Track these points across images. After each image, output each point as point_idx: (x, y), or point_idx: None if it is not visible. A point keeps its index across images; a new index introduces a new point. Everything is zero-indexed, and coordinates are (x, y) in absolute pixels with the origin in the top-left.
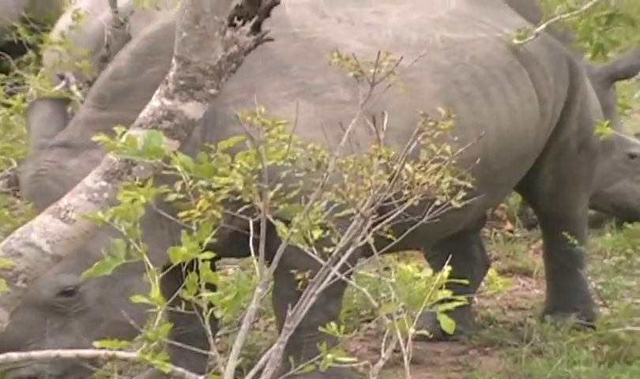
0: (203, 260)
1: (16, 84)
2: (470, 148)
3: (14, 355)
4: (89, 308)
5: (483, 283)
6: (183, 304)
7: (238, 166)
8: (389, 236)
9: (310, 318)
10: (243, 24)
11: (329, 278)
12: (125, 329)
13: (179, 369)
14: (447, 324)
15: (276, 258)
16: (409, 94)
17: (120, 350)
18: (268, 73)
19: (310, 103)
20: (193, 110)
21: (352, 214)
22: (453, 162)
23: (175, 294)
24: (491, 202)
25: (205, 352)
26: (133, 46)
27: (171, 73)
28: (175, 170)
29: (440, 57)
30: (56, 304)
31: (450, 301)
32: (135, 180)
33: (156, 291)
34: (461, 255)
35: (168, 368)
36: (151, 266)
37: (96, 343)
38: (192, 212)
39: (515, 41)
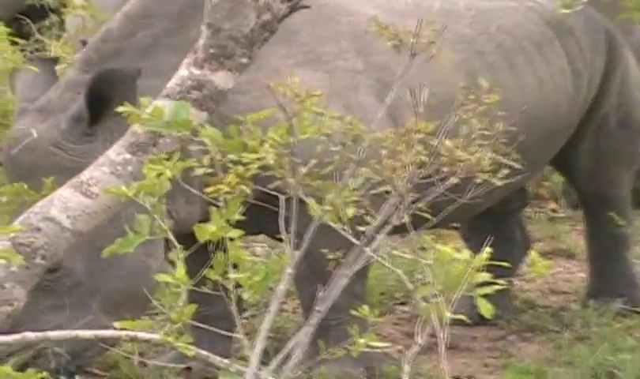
0: (231, 239)
1: (37, 50)
2: (494, 121)
3: (31, 335)
4: (79, 282)
5: (523, 265)
6: (200, 284)
7: (269, 140)
8: (427, 215)
9: (336, 300)
10: None
11: (362, 258)
12: (123, 300)
13: (203, 352)
14: (485, 308)
15: (307, 237)
16: (428, 65)
17: (141, 331)
18: (274, 40)
19: (318, 72)
20: (223, 80)
21: (388, 191)
22: (492, 137)
23: (200, 274)
24: (520, 180)
25: (230, 334)
26: (128, 8)
27: (201, 41)
28: (203, 143)
29: (463, 25)
30: (43, 282)
31: (489, 284)
32: (161, 153)
33: (180, 270)
34: (500, 236)
35: (192, 351)
36: (176, 244)
37: (117, 324)
38: (220, 187)
39: (561, 10)
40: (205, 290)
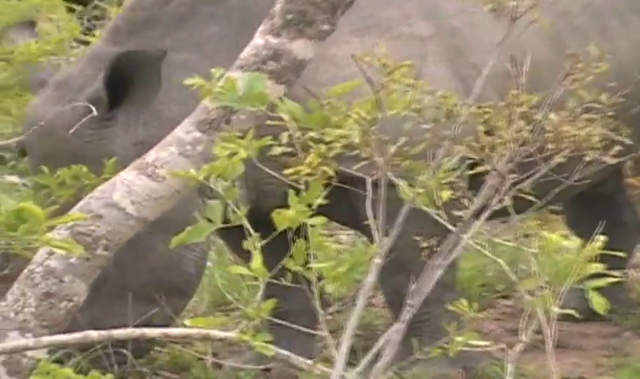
0: (312, 226)
1: (96, 17)
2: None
3: (94, 333)
4: (108, 276)
5: (637, 253)
6: (277, 277)
7: (354, 115)
8: (530, 197)
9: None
10: None
11: (458, 246)
12: (155, 294)
13: (283, 352)
14: (598, 302)
15: (398, 223)
16: (504, 28)
17: (215, 329)
18: None
19: (379, 40)
20: (302, 49)
21: (487, 172)
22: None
23: (278, 266)
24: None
25: (312, 332)
26: None
27: (278, 6)
28: (281, 119)
29: None
30: None
31: (603, 276)
32: (234, 131)
33: (257, 261)
34: (610, 220)
35: (271, 350)
36: (252, 232)
37: (188, 322)
38: (300, 168)
39: None
40: (284, 283)
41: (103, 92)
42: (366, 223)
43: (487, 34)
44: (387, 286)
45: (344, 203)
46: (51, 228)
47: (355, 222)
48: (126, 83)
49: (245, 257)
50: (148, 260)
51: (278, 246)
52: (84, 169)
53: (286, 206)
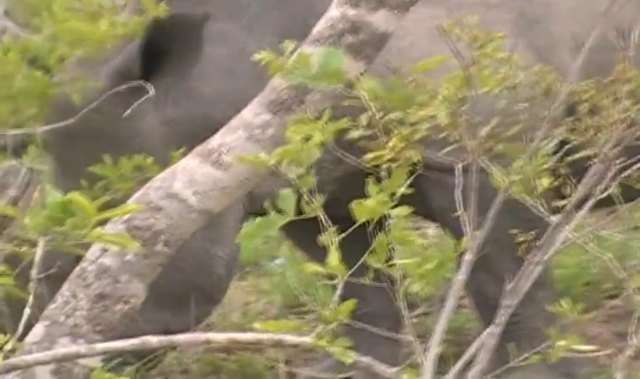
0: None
1: None
2: None
3: (153, 339)
4: None
5: None
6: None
7: (441, 94)
8: None
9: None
10: None
11: (559, 240)
12: (184, 294)
13: (365, 359)
14: None
15: (491, 214)
16: None
17: (288, 333)
18: None
19: (436, 8)
20: (383, 21)
21: (591, 157)
22: None
23: (358, 263)
24: None
25: (396, 336)
26: None
27: None
28: (360, 98)
29: None
30: None
31: None
32: (308, 112)
33: (334, 257)
34: None
35: (351, 357)
36: (330, 223)
37: (258, 325)
38: (381, 153)
39: None
40: (365, 282)
41: (134, 62)
42: (443, 214)
43: (564, 1)
44: (471, 285)
45: (415, 192)
46: (104, 222)
47: (426, 213)
48: (160, 52)
49: (315, 254)
50: (176, 257)
51: (353, 242)
52: (150, 160)
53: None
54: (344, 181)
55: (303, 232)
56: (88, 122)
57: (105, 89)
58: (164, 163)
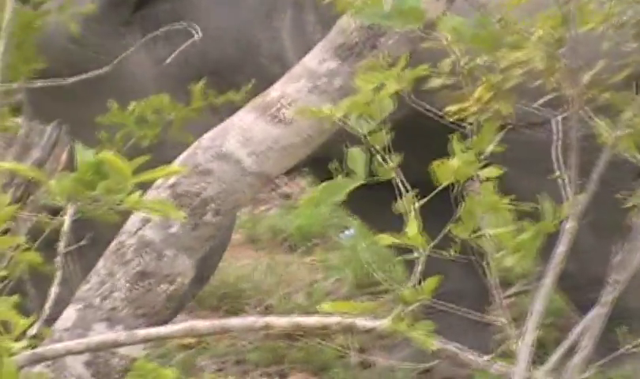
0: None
1: None
2: None
3: (202, 325)
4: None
5: None
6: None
7: (536, 34)
8: None
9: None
10: None
11: None
12: None
13: (450, 347)
14: None
15: (596, 175)
16: None
17: (360, 316)
18: None
19: None
20: None
21: None
22: None
23: (442, 234)
24: None
25: (486, 319)
26: None
27: None
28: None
29: None
30: None
31: None
32: (381, 58)
33: (414, 226)
34: None
35: (434, 344)
36: (409, 188)
37: (327, 307)
38: (466, 105)
39: None
40: (448, 255)
41: None
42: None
43: None
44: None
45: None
46: (143, 187)
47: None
48: None
49: (382, 227)
50: None
51: (428, 212)
52: (166, 99)
53: None
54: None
55: (368, 202)
56: (70, 57)
57: (93, 19)
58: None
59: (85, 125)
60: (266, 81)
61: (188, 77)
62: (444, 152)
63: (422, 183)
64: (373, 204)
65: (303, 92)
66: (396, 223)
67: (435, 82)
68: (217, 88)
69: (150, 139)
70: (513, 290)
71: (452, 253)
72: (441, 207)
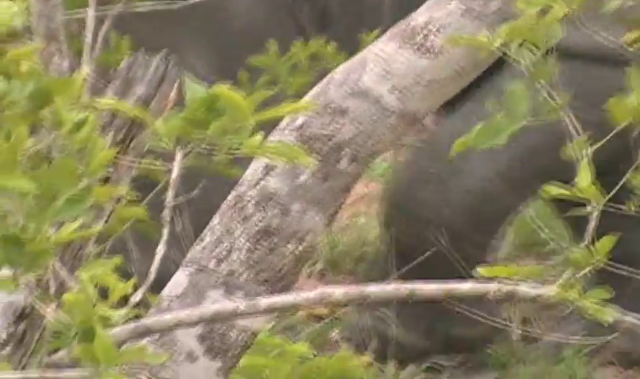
0: None
1: None
2: None
3: (338, 292)
4: None
5: None
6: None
7: None
8: None
9: None
10: None
11: None
12: None
13: (630, 318)
14: None
15: None
16: None
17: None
18: None
19: None
20: None
21: None
22: None
23: (620, 184)
24: None
25: None
26: None
27: None
28: None
29: None
30: None
31: None
32: None
33: (586, 175)
34: None
35: (610, 315)
36: (580, 130)
37: (482, 271)
38: None
39: None
40: (627, 211)
41: None
42: None
43: None
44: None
45: None
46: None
47: None
48: None
49: None
50: None
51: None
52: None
53: None
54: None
55: None
56: None
57: None
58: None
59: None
60: None
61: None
62: None
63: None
64: None
65: (454, 17)
66: None
67: (614, 3)
68: None
69: (297, 89)
70: None
71: (632, 208)
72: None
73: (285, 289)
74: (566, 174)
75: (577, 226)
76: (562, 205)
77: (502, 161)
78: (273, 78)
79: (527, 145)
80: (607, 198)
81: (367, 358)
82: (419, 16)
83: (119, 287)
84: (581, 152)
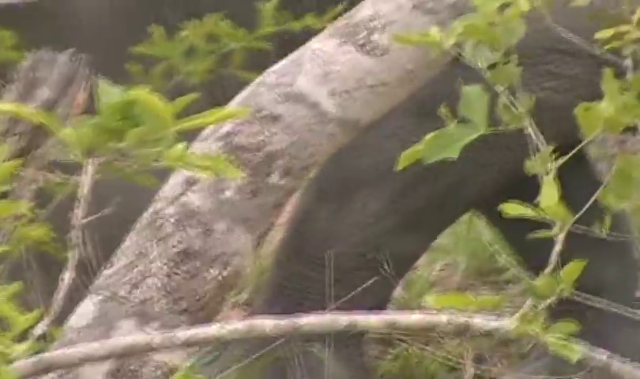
0: None
1: None
2: None
3: (267, 325)
4: None
5: None
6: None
7: None
8: None
9: None
10: None
11: None
12: None
13: (599, 355)
14: None
15: None
16: None
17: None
18: None
19: None
20: None
21: None
22: None
23: (591, 201)
24: None
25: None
26: None
27: None
28: None
29: None
30: None
31: None
32: None
33: (551, 193)
34: None
35: (577, 351)
36: (543, 141)
37: (431, 300)
38: (624, 29)
39: None
40: (595, 233)
41: None
42: None
43: None
44: None
45: None
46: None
47: None
48: None
49: None
50: None
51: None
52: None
53: None
54: None
55: None
56: None
57: None
58: None
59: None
60: None
61: None
62: None
63: None
64: None
65: (402, 12)
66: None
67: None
68: None
69: (199, 75)
70: None
71: (603, 229)
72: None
73: (207, 319)
74: (458, 198)
75: (522, 249)
76: (507, 227)
77: (392, 191)
78: (168, 68)
79: (416, 172)
80: (576, 217)
81: None
82: (363, 10)
83: (23, 319)
84: (546, 167)
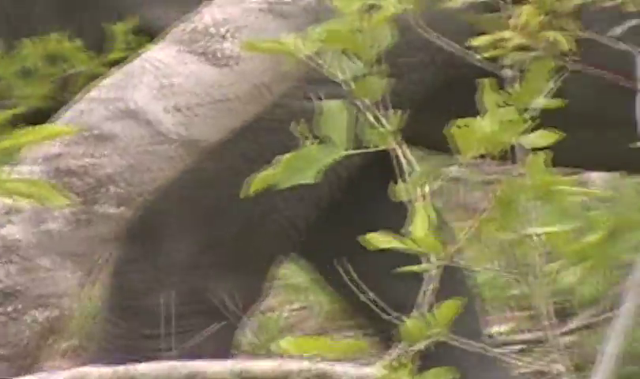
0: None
1: None
2: None
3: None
4: None
5: None
6: None
7: None
8: None
9: None
10: None
11: None
12: None
13: None
14: None
15: None
16: None
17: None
18: None
19: None
20: None
21: None
22: None
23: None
24: None
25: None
26: None
27: None
28: None
29: None
30: None
31: None
32: None
33: (423, 222)
34: None
35: None
36: (414, 163)
37: (285, 344)
38: (505, 36)
39: None
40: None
41: None
42: None
43: None
44: None
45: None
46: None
47: None
48: None
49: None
50: None
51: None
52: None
53: None
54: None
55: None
56: None
57: None
58: None
59: None
60: None
61: None
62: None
63: None
64: None
65: (252, 16)
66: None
67: (456, 1)
68: None
69: (37, 100)
70: (575, 323)
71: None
72: None
73: (30, 369)
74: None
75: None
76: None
77: (207, 228)
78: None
79: (225, 202)
80: (455, 248)
81: None
82: (205, 14)
83: None
84: (414, 194)
